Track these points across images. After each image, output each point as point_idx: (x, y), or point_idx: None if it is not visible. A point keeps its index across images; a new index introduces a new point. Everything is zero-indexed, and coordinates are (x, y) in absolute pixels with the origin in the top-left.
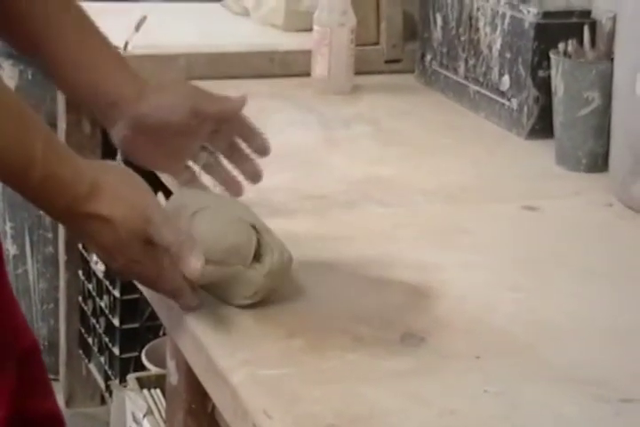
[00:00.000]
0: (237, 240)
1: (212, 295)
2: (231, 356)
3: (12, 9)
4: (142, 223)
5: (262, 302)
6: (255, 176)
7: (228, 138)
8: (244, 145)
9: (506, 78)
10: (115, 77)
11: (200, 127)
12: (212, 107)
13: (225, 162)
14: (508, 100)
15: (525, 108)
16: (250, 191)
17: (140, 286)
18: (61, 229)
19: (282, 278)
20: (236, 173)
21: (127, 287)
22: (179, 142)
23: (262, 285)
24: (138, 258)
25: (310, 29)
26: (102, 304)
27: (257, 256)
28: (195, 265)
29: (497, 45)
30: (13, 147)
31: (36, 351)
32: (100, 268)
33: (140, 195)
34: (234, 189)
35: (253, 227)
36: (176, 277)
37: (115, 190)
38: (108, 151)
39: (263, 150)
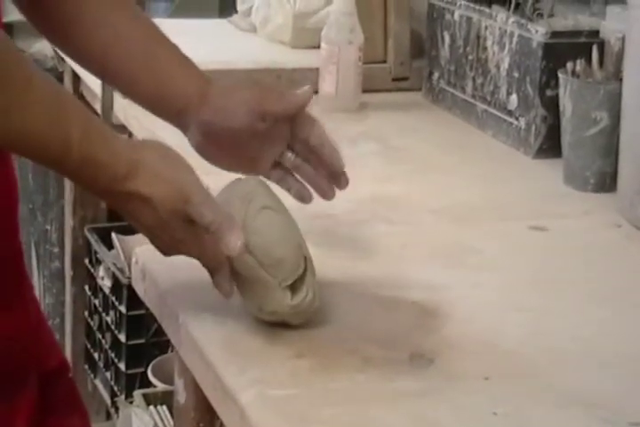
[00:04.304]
0: (289, 257)
1: (238, 290)
2: (240, 375)
3: (73, 25)
4: (181, 203)
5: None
6: (325, 193)
7: (304, 143)
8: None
9: (514, 97)
10: (179, 85)
11: (275, 129)
12: (277, 106)
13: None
14: (516, 119)
15: (533, 128)
16: None
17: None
18: (68, 244)
19: (300, 319)
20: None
21: (133, 303)
22: (255, 146)
23: (283, 312)
24: (180, 237)
25: (318, 47)
26: (108, 320)
27: (293, 286)
28: (234, 244)
29: (505, 64)
30: (49, 131)
31: (63, 371)
32: (106, 283)
33: (179, 173)
34: (320, 192)
35: (305, 259)
36: (217, 253)
37: (153, 169)
38: None
39: (332, 166)
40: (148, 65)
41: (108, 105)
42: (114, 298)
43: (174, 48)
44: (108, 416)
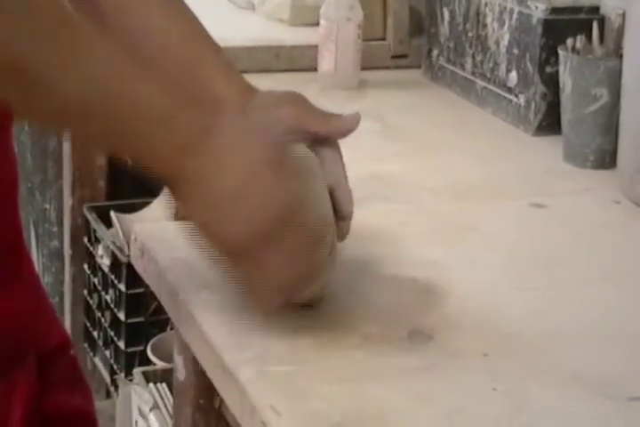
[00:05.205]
0: (324, 212)
1: None
2: (239, 352)
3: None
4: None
5: None
6: None
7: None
8: None
9: (513, 74)
10: (217, 90)
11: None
12: (322, 127)
13: None
14: (516, 96)
15: (533, 105)
16: None
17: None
18: (66, 223)
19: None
20: None
21: (133, 281)
22: None
23: None
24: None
25: (317, 24)
26: (108, 298)
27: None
28: None
29: (504, 41)
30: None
31: (65, 348)
32: (105, 262)
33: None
34: None
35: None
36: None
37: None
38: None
39: (339, 210)
40: (187, 63)
41: None
42: (113, 276)
43: (218, 49)
44: (108, 394)
